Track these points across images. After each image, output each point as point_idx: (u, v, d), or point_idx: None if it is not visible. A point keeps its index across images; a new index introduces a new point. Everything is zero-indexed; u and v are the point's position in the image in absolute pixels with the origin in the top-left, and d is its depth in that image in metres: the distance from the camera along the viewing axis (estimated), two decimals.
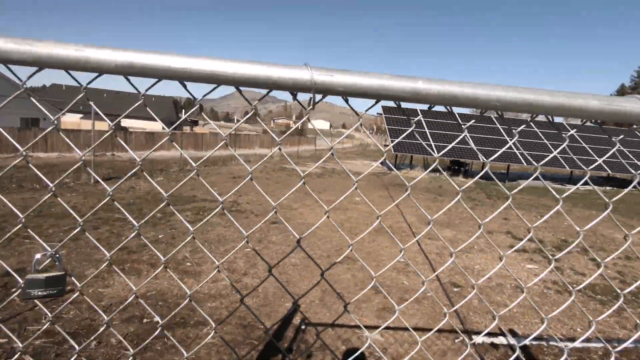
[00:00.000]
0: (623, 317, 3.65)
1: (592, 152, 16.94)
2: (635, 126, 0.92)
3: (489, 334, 3.07)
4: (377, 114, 20.63)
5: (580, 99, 0.82)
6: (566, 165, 15.71)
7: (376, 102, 0.86)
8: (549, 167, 16.89)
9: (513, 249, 1.36)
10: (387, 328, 3.10)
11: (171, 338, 1.54)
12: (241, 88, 0.75)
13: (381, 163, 21.04)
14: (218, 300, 3.34)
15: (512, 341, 2.98)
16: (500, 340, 3.01)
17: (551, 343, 3.02)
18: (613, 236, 7.02)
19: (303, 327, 3.03)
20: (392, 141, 16.08)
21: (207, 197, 7.90)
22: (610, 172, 15.96)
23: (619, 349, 1.09)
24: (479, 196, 11.43)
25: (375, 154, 31.64)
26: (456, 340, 2.96)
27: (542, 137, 17.75)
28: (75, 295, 1.24)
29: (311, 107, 0.77)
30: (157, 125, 40.51)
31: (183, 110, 47.86)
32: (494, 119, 19.11)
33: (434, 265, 4.69)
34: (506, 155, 16.01)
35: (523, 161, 15.89)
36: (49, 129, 0.90)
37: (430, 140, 16.58)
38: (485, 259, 5.13)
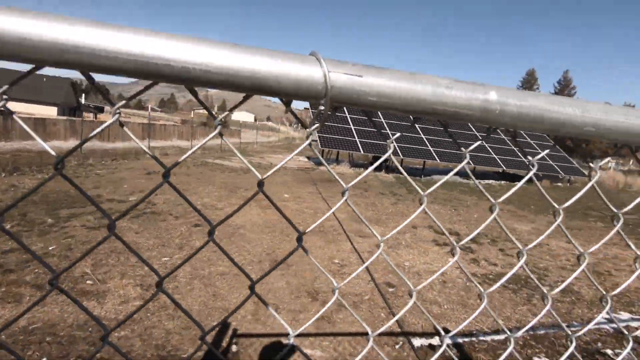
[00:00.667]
0: (532, 304, 4.02)
1: (490, 151, 19.25)
2: None
3: (426, 335, 3.09)
4: (305, 108, 20.57)
5: None
6: (471, 162, 17.56)
7: (416, 120, 0.59)
8: (455, 163, 18.73)
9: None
10: (325, 334, 2.91)
11: None
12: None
13: (307, 158, 21.06)
14: (129, 327, 2.79)
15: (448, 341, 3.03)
16: (437, 340, 3.04)
17: (481, 338, 3.15)
18: (513, 226, 7.94)
19: (235, 349, 2.68)
20: (319, 137, 16.16)
21: (114, 196, 6.86)
22: (504, 168, 18.30)
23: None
24: (400, 191, 12.06)
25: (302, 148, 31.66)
26: (397, 346, 2.90)
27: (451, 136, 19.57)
28: None
29: (317, 125, 0.52)
30: (49, 110, 34.95)
31: (84, 95, 41.91)
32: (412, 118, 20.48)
33: (368, 266, 4.67)
34: (422, 152, 17.27)
35: (436, 158, 17.32)
36: None
37: (355, 137, 17.07)
38: (413, 255, 5.30)
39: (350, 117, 18.54)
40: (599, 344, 3.30)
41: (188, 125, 28.98)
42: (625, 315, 3.97)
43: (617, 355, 3.08)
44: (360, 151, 16.09)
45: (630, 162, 46.64)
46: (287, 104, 0.53)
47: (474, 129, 20.87)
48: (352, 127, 17.76)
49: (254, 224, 5.87)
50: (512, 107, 0.53)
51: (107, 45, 0.38)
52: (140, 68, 0.39)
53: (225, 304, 3.30)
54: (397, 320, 3.34)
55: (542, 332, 3.44)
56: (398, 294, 3.88)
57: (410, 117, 0.59)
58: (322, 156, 15.96)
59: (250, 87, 0.43)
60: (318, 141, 16.57)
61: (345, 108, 19.00)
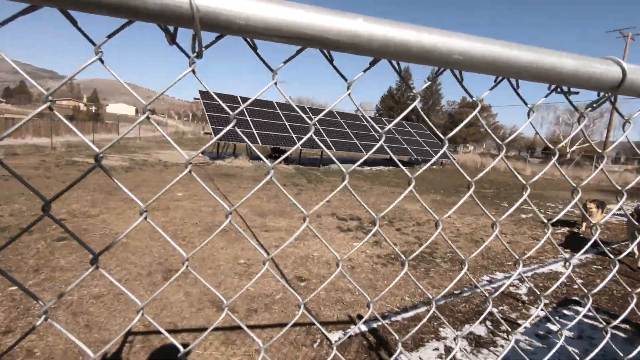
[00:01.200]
0: (430, 277, 4.34)
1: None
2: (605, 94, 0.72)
3: (343, 326, 2.99)
4: (195, 99, 18.98)
5: (555, 56, 0.65)
6: (364, 150, 18.78)
7: (300, 50, 0.56)
8: (351, 152, 19.88)
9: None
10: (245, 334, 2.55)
11: None
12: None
13: (202, 153, 19.59)
14: None
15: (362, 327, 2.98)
16: (354, 329, 2.97)
17: (393, 319, 3.20)
18: (405, 207, 8.66)
19: None
20: (213, 129, 15.08)
21: None
22: (392, 155, 20.11)
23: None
24: (301, 181, 12.10)
25: (194, 143, 29.43)
26: (315, 345, 2.72)
27: (345, 126, 20.60)
28: None
29: (196, 53, 0.49)
30: None
31: None
32: (307, 109, 20.86)
33: (276, 260, 4.41)
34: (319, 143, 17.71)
35: (333, 147, 17.98)
36: None
37: (253, 128, 16.50)
38: (320, 244, 5.24)
39: (247, 109, 17.85)
40: (487, 305, 3.71)
41: (47, 119, 23.94)
42: (499, 274, 4.60)
43: (500, 312, 3.50)
44: (258, 143, 15.62)
45: (484, 146, 56.85)
46: (172, 38, 0.51)
47: (369, 128, 22.33)
48: (249, 119, 17.14)
49: (139, 229, 5.03)
50: (379, 34, 0.52)
51: None
52: None
53: (105, 334, 2.64)
54: (312, 316, 3.18)
55: (441, 302, 3.70)
56: (310, 287, 3.72)
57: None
58: (218, 150, 15.12)
59: (127, 11, 0.44)
60: (213, 134, 15.45)
61: (240, 100, 18.15)
